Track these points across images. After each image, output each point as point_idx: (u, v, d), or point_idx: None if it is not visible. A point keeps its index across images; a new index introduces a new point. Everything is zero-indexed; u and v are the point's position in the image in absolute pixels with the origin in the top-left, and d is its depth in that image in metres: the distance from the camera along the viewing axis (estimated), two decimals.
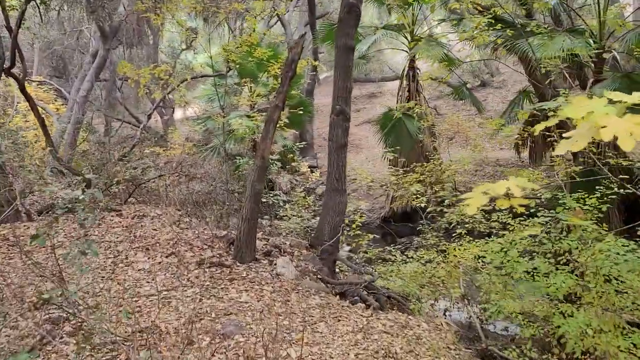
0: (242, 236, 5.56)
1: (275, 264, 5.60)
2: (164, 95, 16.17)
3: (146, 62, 23.71)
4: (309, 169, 17.52)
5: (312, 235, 7.04)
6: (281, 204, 11.31)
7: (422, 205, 7.74)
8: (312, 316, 4.55)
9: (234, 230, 6.86)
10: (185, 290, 4.89)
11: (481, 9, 9.91)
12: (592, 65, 9.76)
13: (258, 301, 4.76)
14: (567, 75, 10.48)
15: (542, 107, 11.14)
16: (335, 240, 6.62)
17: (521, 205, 2.93)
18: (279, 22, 22.62)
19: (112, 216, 7.75)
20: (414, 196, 8.12)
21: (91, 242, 3.77)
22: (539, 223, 5.00)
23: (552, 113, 7.28)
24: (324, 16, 21.66)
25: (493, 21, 8.96)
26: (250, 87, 15.61)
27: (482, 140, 14.80)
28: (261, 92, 15.93)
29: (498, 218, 7.15)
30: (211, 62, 17.14)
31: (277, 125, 13.29)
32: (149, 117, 16.17)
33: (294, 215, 11.12)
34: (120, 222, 7.37)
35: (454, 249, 7.61)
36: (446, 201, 7.62)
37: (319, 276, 5.84)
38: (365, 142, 19.06)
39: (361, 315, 4.75)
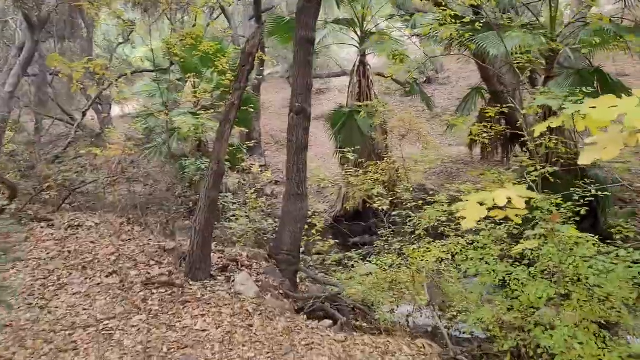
0: (195, 250, 4.87)
1: (234, 281, 4.94)
2: (100, 91, 15.08)
3: (80, 56, 22.23)
4: (260, 169, 16.78)
5: (271, 244, 6.42)
6: (231, 206, 10.61)
7: (384, 208, 7.22)
8: (281, 345, 3.94)
9: (185, 241, 6.15)
10: (131, 318, 4.17)
11: (438, 3, 9.54)
12: (544, 61, 9.59)
13: (217, 328, 4.10)
14: (517, 71, 10.27)
15: (498, 105, 10.93)
16: (297, 250, 6.03)
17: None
18: (222, 16, 21.69)
19: (41, 227, 6.84)
20: (376, 197, 7.60)
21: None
22: (533, 236, 4.56)
23: (538, 110, 6.97)
24: (269, 10, 20.88)
25: (450, 17, 8.61)
26: (194, 83, 14.72)
27: (434, 137, 14.56)
28: (207, 89, 15.05)
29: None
30: (152, 57, 16.17)
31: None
32: (84, 114, 15.02)
33: (242, 217, 10.45)
34: (52, 235, 6.47)
35: (414, 250, 7.17)
36: (408, 203, 7.15)
37: (281, 291, 5.23)
38: (314, 139, 18.48)
39: (335, 340, 4.17)
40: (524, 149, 10.74)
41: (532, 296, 4.65)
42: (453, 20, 7.97)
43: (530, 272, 4.74)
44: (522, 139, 8.73)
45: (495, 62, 10.65)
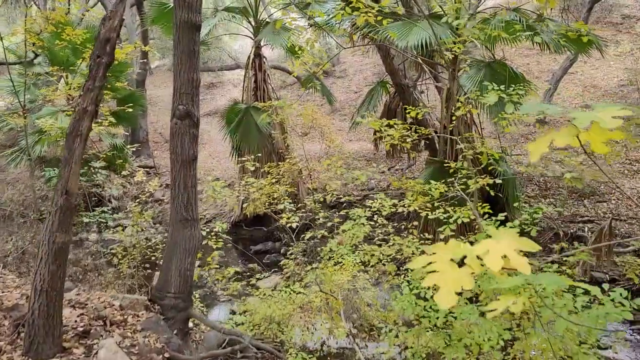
0: (37, 318, 3.36)
1: (97, 354, 3.49)
2: None
3: None
4: (145, 171, 14.92)
5: (154, 285, 4.97)
6: (109, 221, 8.96)
7: (292, 226, 6.00)
8: None
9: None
10: None
11: None
12: (450, 54, 8.87)
13: None
14: (424, 66, 9.50)
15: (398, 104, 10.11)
16: (187, 291, 4.66)
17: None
18: (99, 3, 19.24)
19: None
20: (283, 213, 6.35)
21: None
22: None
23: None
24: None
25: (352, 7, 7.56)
26: (66, 77, 12.60)
27: (337, 133, 13.59)
28: (81, 83, 12.99)
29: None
30: (14, 47, 13.78)
31: (100, 124, 10.78)
32: None
33: (130, 225, 8.83)
34: None
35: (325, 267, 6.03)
36: (319, 216, 5.99)
37: (167, 355, 3.85)
38: (208, 137, 16.89)
39: None
40: (426, 143, 10.10)
41: (483, 342, 3.68)
42: (359, 8, 6.90)
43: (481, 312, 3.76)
44: (428, 136, 7.95)
45: (399, 55, 9.83)
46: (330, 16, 8.73)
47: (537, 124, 10.82)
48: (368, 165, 12.58)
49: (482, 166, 4.97)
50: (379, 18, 5.39)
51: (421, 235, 4.84)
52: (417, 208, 4.58)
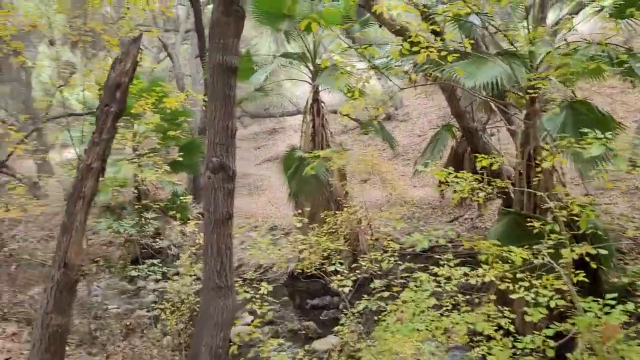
0: None
1: None
2: (22, 139, 12.78)
3: (13, 101, 19.88)
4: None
5: None
6: (158, 274, 8.49)
7: (344, 290, 5.20)
8: None
9: None
10: None
11: (398, 31, 7.83)
12: (525, 94, 7.95)
13: None
14: (494, 108, 8.64)
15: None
16: None
17: None
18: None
19: None
20: (335, 276, 5.58)
21: None
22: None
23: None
24: None
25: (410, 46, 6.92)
26: (132, 126, 12.66)
27: (400, 179, 12.79)
28: (147, 134, 13.03)
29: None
30: (82, 98, 14.06)
31: (156, 172, 10.54)
32: (2, 165, 12.62)
33: (180, 277, 8.31)
34: None
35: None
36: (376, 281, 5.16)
37: None
38: (268, 183, 16.53)
39: None
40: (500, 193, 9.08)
41: None
42: (419, 43, 6.18)
43: None
44: (505, 189, 7.00)
45: (465, 96, 9.02)
46: (389, 57, 8.10)
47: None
48: (433, 213, 11.64)
49: (580, 232, 4.05)
50: (443, 53, 4.66)
51: (498, 308, 3.95)
52: (493, 278, 3.72)
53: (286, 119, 21.43)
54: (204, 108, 15.14)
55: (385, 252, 5.25)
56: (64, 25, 9.55)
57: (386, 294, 5.32)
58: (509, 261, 3.95)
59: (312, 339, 8.48)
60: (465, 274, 3.93)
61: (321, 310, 10.21)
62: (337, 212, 9.88)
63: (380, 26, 8.90)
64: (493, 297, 4.10)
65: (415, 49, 4.72)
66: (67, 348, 5.36)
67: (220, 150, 4.01)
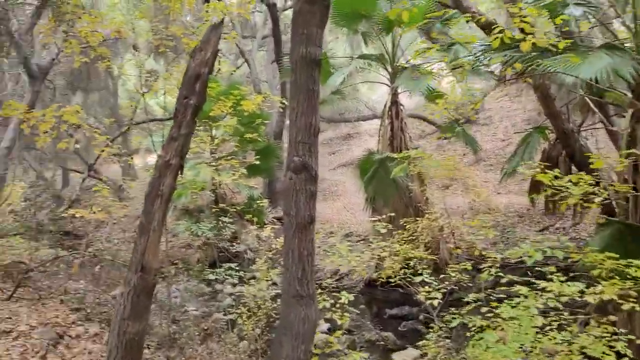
0: None
1: None
2: (107, 143, 13.28)
3: (102, 108, 20.89)
4: (280, 222, 14.59)
5: None
6: (235, 279, 8.42)
7: (433, 303, 4.77)
8: None
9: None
10: None
11: (488, 24, 7.28)
12: (630, 91, 7.15)
13: None
14: (593, 107, 7.86)
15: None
16: None
17: None
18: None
19: None
20: (422, 288, 5.17)
21: None
22: None
23: None
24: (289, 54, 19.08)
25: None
26: (211, 129, 12.83)
27: (482, 185, 12.09)
28: (225, 137, 13.18)
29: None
30: (164, 104, 14.44)
31: (233, 175, 10.52)
32: (90, 168, 13.21)
33: (257, 282, 8.16)
34: None
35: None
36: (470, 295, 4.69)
37: None
38: (343, 188, 16.26)
39: None
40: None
41: None
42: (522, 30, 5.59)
43: None
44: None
45: (560, 96, 8.31)
46: (479, 54, 7.53)
47: None
48: (520, 221, 10.87)
49: None
50: (551, 40, 4.15)
51: (620, 332, 3.41)
52: (614, 297, 3.20)
53: (361, 124, 21.11)
54: (281, 111, 15.16)
55: (479, 262, 4.79)
56: (147, 30, 9.81)
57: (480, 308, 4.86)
58: (629, 277, 3.40)
59: (391, 351, 8.08)
60: (581, 292, 3.40)
61: (400, 321, 9.76)
62: (417, 218, 9.42)
63: (467, 21, 8.34)
64: (613, 317, 3.55)
65: (518, 36, 4.23)
66: (146, 351, 5.30)
67: (303, 149, 3.75)
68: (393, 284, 11.19)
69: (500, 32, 4.14)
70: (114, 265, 7.74)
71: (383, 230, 6.07)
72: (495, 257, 4.42)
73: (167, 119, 13.48)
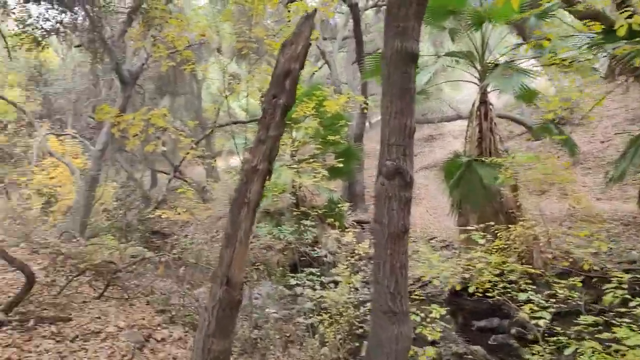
0: None
1: None
2: (192, 146, 13.60)
3: (187, 111, 21.58)
4: (360, 226, 14.35)
5: None
6: (317, 285, 8.21)
7: (540, 324, 4.27)
8: None
9: None
10: None
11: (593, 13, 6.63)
12: None
13: None
14: None
15: None
16: None
17: None
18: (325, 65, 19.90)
19: (45, 332, 4.81)
20: (526, 306, 4.67)
21: None
22: None
23: None
24: (373, 53, 18.78)
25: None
26: (291, 131, 12.79)
27: (579, 190, 11.16)
28: (306, 139, 13.10)
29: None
30: (246, 106, 14.59)
31: (320, 176, 10.35)
32: (176, 169, 13.57)
33: (339, 288, 7.91)
34: (47, 350, 4.40)
35: None
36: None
37: None
38: (425, 192, 15.69)
39: None
40: None
41: None
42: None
43: None
44: None
45: None
46: (580, 49, 6.89)
47: None
48: (626, 230, 9.88)
49: None
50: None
51: None
52: None
53: (444, 125, 20.38)
54: (362, 112, 14.88)
55: (578, 274, 4.25)
56: (230, 34, 9.90)
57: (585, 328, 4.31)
58: None
59: None
60: None
61: (489, 334, 9.15)
62: (509, 225, 8.79)
63: (570, 12, 7.67)
64: None
65: None
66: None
67: (397, 153, 3.45)
68: (482, 294, 10.58)
69: (629, 16, 3.60)
70: (197, 267, 7.78)
71: (482, 241, 5.60)
72: (621, 277, 3.86)
73: (249, 122, 13.59)
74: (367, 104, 12.90)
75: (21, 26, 8.27)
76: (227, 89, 18.38)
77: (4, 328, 4.82)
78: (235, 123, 14.28)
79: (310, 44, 2.46)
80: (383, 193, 3.45)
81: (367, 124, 19.48)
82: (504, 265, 6.35)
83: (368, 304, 7.67)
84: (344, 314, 7.35)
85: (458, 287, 8.60)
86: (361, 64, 14.52)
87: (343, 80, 18.88)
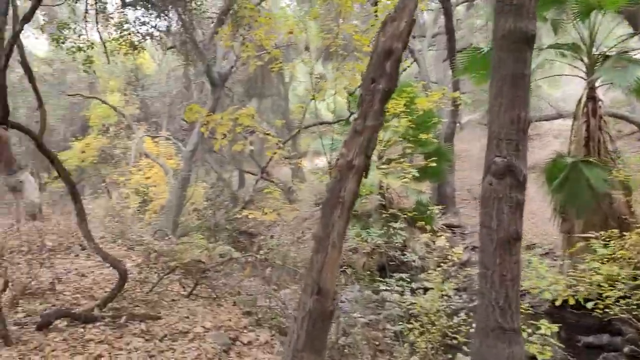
0: None
1: None
2: (279, 146, 13.65)
3: (274, 113, 21.85)
4: (450, 230, 13.73)
5: None
6: (407, 291, 7.82)
7: None
8: None
9: None
10: None
11: None
12: None
13: None
14: None
15: None
16: None
17: None
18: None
19: (135, 330, 4.83)
20: None
21: None
22: None
23: None
24: (465, 49, 17.97)
25: None
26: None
27: None
28: (395, 138, 12.70)
29: None
30: (333, 107, 14.45)
31: (403, 178, 9.93)
32: (263, 170, 13.68)
33: (432, 295, 7.48)
34: (136, 348, 4.39)
35: None
36: None
37: None
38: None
39: None
40: None
41: None
42: None
43: None
44: None
45: None
46: None
47: None
48: None
49: None
50: None
51: None
52: None
53: (542, 124, 19.11)
54: (456, 110, 14.26)
55: None
56: (317, 32, 9.77)
57: None
58: None
59: None
60: None
61: (597, 351, 8.34)
62: (623, 233, 7.92)
63: None
64: None
65: None
66: None
67: (508, 148, 3.04)
68: (591, 309, 9.69)
69: None
70: (284, 269, 7.67)
71: (602, 250, 4.99)
72: None
73: (336, 122, 13.40)
74: (461, 100, 12.26)
75: (119, 31, 8.61)
76: (314, 89, 18.40)
77: (98, 324, 4.89)
78: (321, 123, 14.17)
79: (415, 21, 2.16)
80: (491, 194, 3.05)
81: (457, 123, 18.71)
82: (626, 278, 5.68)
83: (462, 313, 7.20)
84: (436, 323, 6.95)
85: (561, 300, 7.89)
86: (453, 61, 13.90)
87: (432, 79, 18.26)
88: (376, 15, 10.51)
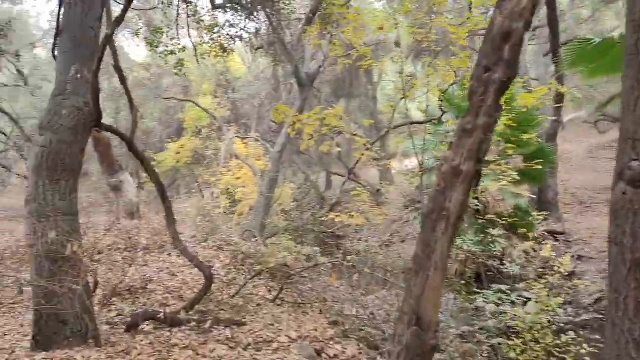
0: None
1: None
2: (367, 147, 13.32)
3: (362, 113, 21.54)
4: (552, 237, 12.71)
5: None
6: (507, 304, 7.21)
7: None
8: None
9: None
10: None
11: None
12: None
13: None
14: None
15: None
16: None
17: None
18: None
19: (220, 337, 4.71)
20: None
21: None
22: None
23: None
24: (568, 43, 16.61)
25: None
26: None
27: None
28: (494, 138, 11.95)
29: None
30: (425, 106, 13.91)
31: (509, 179, 9.22)
32: (350, 172, 13.39)
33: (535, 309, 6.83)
34: (220, 356, 4.26)
35: None
36: None
37: None
38: None
39: None
40: None
41: None
42: None
43: None
44: None
45: None
46: None
47: None
48: None
49: None
50: None
51: None
52: None
53: None
54: (560, 108, 13.21)
55: None
56: (408, 26, 9.37)
57: None
58: None
59: None
60: None
61: None
62: None
63: None
64: None
65: None
66: None
67: None
68: None
69: None
70: (372, 275, 7.34)
71: None
72: None
73: (427, 122, 12.84)
74: (574, 94, 11.26)
75: (210, 34, 8.73)
76: (405, 88, 17.88)
77: (184, 328, 4.83)
78: (412, 123, 13.63)
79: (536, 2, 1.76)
80: (625, 205, 2.55)
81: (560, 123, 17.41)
82: None
83: (569, 331, 6.50)
84: (540, 340, 6.34)
85: None
86: (556, 55, 12.87)
87: (532, 76, 17.09)
88: (470, 9, 9.90)
